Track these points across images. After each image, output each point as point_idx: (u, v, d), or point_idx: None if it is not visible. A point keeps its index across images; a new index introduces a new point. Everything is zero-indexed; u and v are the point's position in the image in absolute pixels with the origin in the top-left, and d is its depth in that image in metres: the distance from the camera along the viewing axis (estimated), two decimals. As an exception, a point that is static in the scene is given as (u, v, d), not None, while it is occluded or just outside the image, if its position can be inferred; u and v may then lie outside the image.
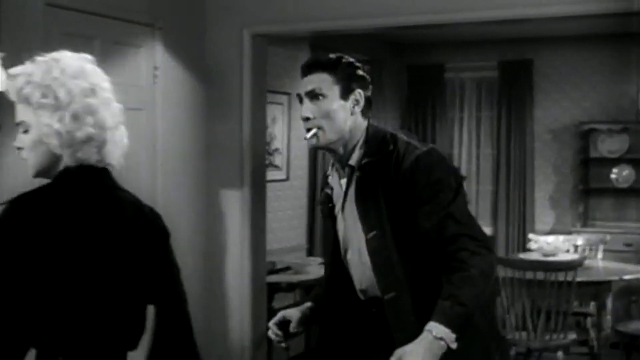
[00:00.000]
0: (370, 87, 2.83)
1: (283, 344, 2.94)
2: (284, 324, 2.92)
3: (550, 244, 6.57)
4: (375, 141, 2.76)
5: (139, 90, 5.19)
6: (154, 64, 5.28)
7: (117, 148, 2.35)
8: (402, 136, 2.78)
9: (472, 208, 9.79)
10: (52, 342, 2.19)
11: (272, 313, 5.42)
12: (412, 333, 2.55)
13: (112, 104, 2.37)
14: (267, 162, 6.22)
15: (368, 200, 2.72)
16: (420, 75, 9.24)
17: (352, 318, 2.89)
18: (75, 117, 2.25)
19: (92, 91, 2.31)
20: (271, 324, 2.93)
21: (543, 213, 8.78)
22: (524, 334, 5.83)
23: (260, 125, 5.79)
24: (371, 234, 2.72)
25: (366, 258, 2.75)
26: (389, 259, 2.70)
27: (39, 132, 2.26)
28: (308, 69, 2.78)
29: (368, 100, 2.79)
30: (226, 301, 5.67)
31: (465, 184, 9.49)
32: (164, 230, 2.42)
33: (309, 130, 2.74)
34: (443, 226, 2.63)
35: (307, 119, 2.74)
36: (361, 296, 2.84)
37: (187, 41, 5.54)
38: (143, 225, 2.36)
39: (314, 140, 2.74)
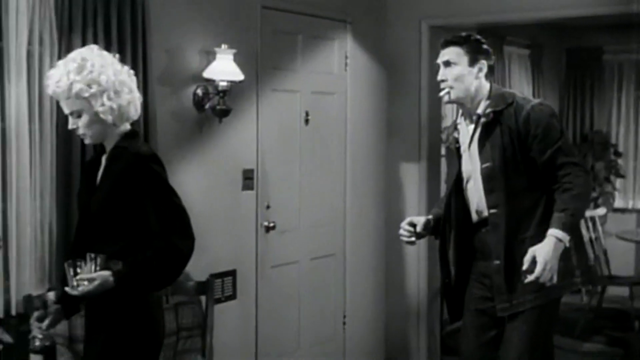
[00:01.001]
0: (493, 57, 3.65)
1: (412, 238, 3.73)
2: (412, 225, 3.74)
3: None
4: (497, 96, 3.58)
5: (333, 77, 5.88)
6: (345, 53, 5.94)
7: (139, 101, 3.09)
8: (518, 93, 3.63)
9: (629, 183, 9.90)
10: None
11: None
12: (502, 237, 3.45)
13: (126, 71, 3.06)
14: (441, 138, 6.80)
15: (487, 140, 3.54)
16: (579, 58, 9.38)
17: (465, 234, 3.68)
18: (116, 92, 2.96)
19: (116, 69, 2.99)
20: (403, 224, 3.75)
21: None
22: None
23: (435, 107, 6.27)
24: (485, 165, 3.53)
25: (481, 184, 3.56)
26: (494, 184, 3.50)
27: (93, 113, 2.93)
28: (445, 44, 3.64)
29: (490, 68, 3.62)
30: (405, 260, 6.24)
31: (622, 160, 9.80)
32: None
33: (442, 89, 3.60)
34: (554, 157, 3.44)
35: (442, 81, 3.60)
36: (475, 217, 3.64)
37: (373, 33, 6.15)
38: None
39: (446, 97, 3.61)
